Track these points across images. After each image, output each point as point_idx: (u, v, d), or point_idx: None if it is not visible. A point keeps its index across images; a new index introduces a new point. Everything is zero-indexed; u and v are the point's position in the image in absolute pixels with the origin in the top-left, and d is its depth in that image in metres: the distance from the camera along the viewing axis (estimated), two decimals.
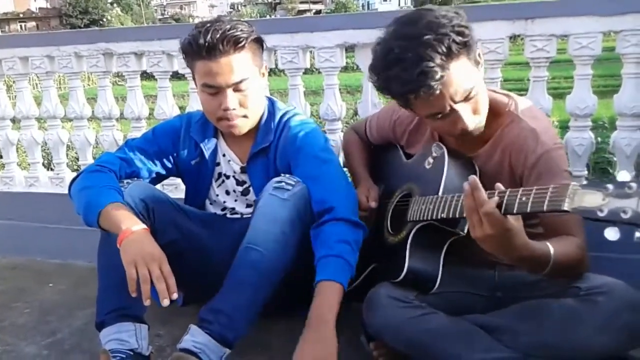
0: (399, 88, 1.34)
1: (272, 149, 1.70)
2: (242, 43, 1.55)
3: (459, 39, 1.29)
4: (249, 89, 1.60)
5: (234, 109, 1.58)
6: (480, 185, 1.17)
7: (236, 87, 1.57)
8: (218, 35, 1.52)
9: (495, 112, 1.46)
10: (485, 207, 1.15)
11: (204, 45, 1.52)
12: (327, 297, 1.43)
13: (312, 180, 1.59)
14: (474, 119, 1.38)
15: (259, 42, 1.64)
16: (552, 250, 1.24)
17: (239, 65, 1.56)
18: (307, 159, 1.63)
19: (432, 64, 1.27)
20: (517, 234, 1.18)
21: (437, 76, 1.28)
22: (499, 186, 1.19)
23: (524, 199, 1.12)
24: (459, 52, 1.30)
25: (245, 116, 1.62)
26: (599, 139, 2.18)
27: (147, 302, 1.36)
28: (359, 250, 1.53)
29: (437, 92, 1.30)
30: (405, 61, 1.29)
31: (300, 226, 1.53)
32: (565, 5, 1.87)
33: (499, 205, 1.15)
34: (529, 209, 1.10)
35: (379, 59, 1.36)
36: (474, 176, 1.19)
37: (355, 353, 1.64)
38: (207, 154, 1.76)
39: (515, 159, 1.41)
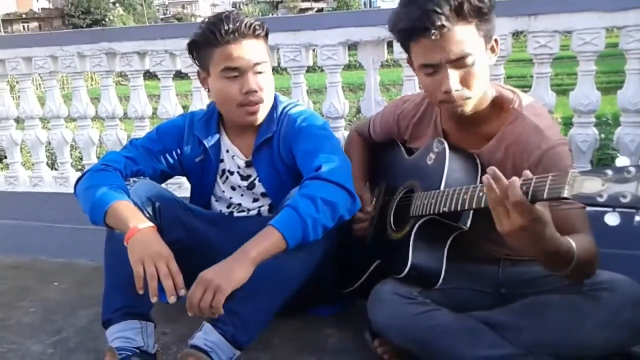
0: (404, 24, 1.36)
1: (275, 139, 1.72)
2: (259, 31, 1.63)
3: (475, 2, 1.31)
4: (266, 74, 1.65)
5: (256, 91, 1.61)
6: (501, 175, 1.13)
7: (257, 70, 1.62)
8: (239, 23, 1.59)
9: (500, 107, 1.46)
10: (513, 196, 1.10)
11: (228, 31, 1.57)
12: (260, 238, 1.40)
13: (308, 154, 1.60)
14: (460, 89, 1.36)
15: (267, 37, 1.69)
16: (574, 245, 1.20)
17: (258, 49, 1.63)
18: (305, 137, 1.65)
19: (438, 10, 1.29)
20: (547, 224, 1.13)
21: (438, 22, 1.29)
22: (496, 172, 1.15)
23: (524, 188, 1.10)
24: (469, 17, 1.32)
25: (263, 101, 1.65)
26: (603, 135, 2.19)
27: (154, 299, 1.36)
28: (332, 209, 1.45)
29: (433, 37, 1.31)
30: (419, 1, 1.32)
31: (325, 237, 1.49)
32: (567, 2, 1.86)
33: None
34: (529, 198, 1.09)
35: None
36: (494, 167, 1.15)
37: (360, 350, 1.65)
38: (209, 150, 1.77)
39: (519, 158, 1.40)
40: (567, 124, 2.16)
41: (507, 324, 1.38)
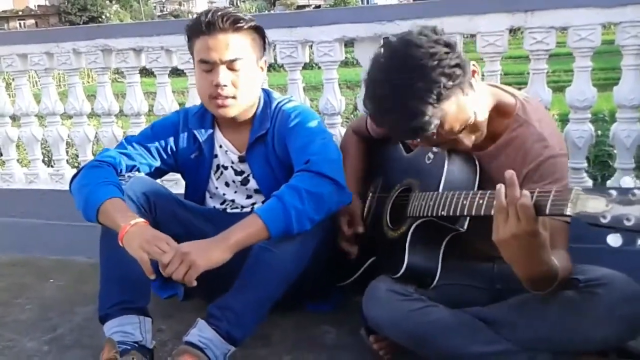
0: (397, 135, 1.40)
1: (270, 135, 1.72)
2: (241, 24, 1.60)
3: (449, 83, 1.26)
4: (243, 71, 1.62)
5: (225, 85, 1.60)
6: (517, 181, 1.13)
7: (230, 65, 1.60)
8: (219, 14, 1.58)
9: (503, 113, 1.45)
10: (522, 200, 1.10)
11: (205, 21, 1.58)
12: (243, 225, 1.42)
13: (300, 150, 1.60)
14: (474, 138, 1.40)
15: (259, 32, 1.67)
16: (559, 269, 1.22)
17: (235, 44, 1.60)
18: (298, 133, 1.65)
19: (426, 117, 1.26)
20: (543, 244, 1.15)
21: (431, 127, 1.28)
22: (510, 172, 1.15)
23: None
24: (450, 94, 1.28)
25: (234, 97, 1.63)
26: (599, 131, 2.18)
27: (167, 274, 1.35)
28: (318, 200, 1.46)
29: (435, 135, 1.31)
30: (398, 114, 1.29)
31: (318, 230, 1.51)
32: None
33: None
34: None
35: (372, 103, 1.36)
36: (511, 171, 1.14)
37: (357, 346, 1.65)
38: (204, 145, 1.77)
39: (519, 163, 1.40)
40: (564, 120, 2.15)
41: (503, 320, 1.38)
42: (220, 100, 1.62)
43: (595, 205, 0.96)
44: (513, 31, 1.98)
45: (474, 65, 1.38)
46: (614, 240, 0.93)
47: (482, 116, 1.39)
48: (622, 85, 1.91)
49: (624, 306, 1.25)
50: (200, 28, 1.58)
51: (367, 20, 2.07)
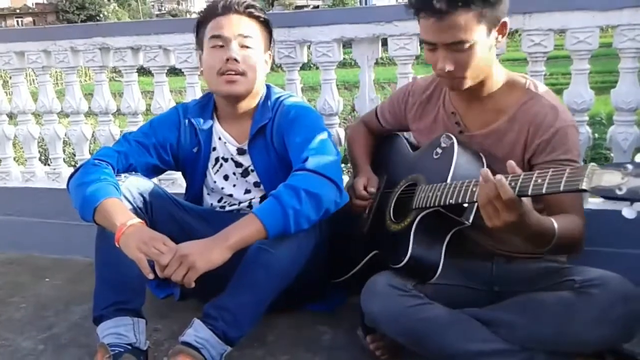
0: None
1: (269, 128, 1.73)
2: (254, 11, 1.70)
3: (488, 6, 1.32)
4: (252, 50, 1.68)
5: (236, 60, 1.64)
6: (491, 176, 1.17)
7: (242, 42, 1.66)
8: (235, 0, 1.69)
9: (512, 87, 1.48)
10: (505, 195, 1.14)
11: (221, 5, 1.68)
12: (241, 225, 1.43)
13: (298, 146, 1.61)
14: (452, 69, 1.39)
15: (267, 26, 1.75)
16: (556, 225, 1.25)
17: (247, 25, 1.69)
18: (297, 129, 1.66)
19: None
20: (529, 213, 1.19)
21: (438, 6, 1.31)
22: (512, 164, 1.18)
23: (539, 180, 1.11)
24: (472, 4, 1.31)
25: (244, 74, 1.66)
26: (597, 134, 2.19)
27: (163, 275, 1.36)
28: (316, 201, 1.46)
29: (431, 21, 1.34)
30: None
31: (315, 231, 1.52)
32: (562, 0, 1.86)
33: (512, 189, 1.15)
34: (544, 190, 1.09)
35: None
36: (486, 169, 1.19)
37: (354, 346, 1.65)
38: (202, 137, 1.77)
39: (532, 134, 1.42)
40: None
41: (500, 320, 1.39)
42: (229, 76, 1.65)
43: (610, 178, 0.97)
44: (511, 33, 1.98)
45: (505, 22, 1.41)
46: (629, 212, 0.95)
47: (481, 63, 1.40)
48: (619, 88, 1.91)
49: (619, 307, 1.26)
50: (216, 10, 1.68)
51: (366, 21, 2.07)
